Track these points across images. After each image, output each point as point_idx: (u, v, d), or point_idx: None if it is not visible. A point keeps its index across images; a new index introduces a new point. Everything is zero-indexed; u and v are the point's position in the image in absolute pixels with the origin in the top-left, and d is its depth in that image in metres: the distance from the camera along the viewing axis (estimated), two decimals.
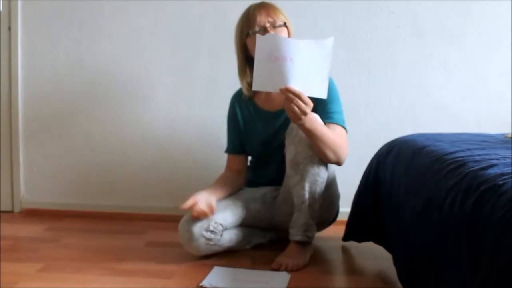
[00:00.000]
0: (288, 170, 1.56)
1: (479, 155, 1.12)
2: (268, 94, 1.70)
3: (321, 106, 1.53)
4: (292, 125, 1.53)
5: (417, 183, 1.22)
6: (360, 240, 1.72)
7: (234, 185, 1.73)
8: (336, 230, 1.82)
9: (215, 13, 2.13)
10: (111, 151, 2.22)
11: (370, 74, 2.12)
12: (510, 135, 1.52)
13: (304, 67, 1.37)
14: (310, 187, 1.53)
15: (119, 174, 2.22)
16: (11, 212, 2.27)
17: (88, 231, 1.95)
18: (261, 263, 1.55)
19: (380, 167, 1.58)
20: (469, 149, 1.20)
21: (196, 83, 2.17)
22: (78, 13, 2.19)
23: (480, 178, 0.95)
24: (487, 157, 1.08)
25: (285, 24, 1.61)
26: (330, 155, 1.50)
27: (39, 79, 2.23)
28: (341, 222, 1.79)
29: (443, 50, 2.10)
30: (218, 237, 1.56)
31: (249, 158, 1.85)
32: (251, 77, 1.47)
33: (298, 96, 1.36)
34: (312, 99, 1.39)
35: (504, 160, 1.04)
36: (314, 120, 1.44)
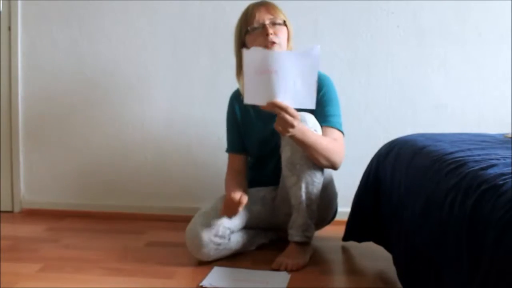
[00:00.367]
0: (285, 170, 1.56)
1: (479, 155, 1.12)
2: None
3: (318, 109, 1.53)
4: None
5: (417, 183, 1.22)
6: (360, 240, 1.72)
7: (244, 188, 1.69)
8: (336, 230, 1.82)
9: (215, 13, 2.14)
10: (111, 151, 2.22)
11: (370, 74, 2.12)
12: (510, 135, 1.52)
13: (290, 79, 1.37)
14: (307, 188, 1.53)
15: (119, 174, 2.22)
16: (11, 212, 2.27)
17: (88, 231, 1.95)
18: (261, 263, 1.55)
19: (380, 167, 1.58)
20: (469, 149, 1.20)
21: (196, 83, 2.17)
22: (78, 13, 2.19)
23: (480, 178, 0.95)
24: (487, 157, 1.08)
25: (284, 23, 1.61)
26: (323, 161, 1.50)
27: (39, 79, 2.23)
28: (341, 222, 1.79)
29: (443, 50, 2.10)
30: (227, 241, 1.56)
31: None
32: None
33: (285, 110, 1.36)
34: None
35: (504, 160, 1.04)
36: (304, 130, 1.44)
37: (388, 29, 2.11)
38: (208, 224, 1.54)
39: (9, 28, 2.21)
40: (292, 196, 1.55)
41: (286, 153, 1.53)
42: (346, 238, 1.75)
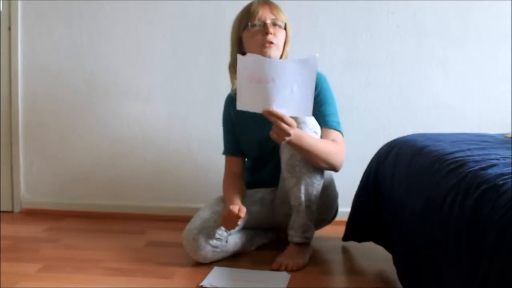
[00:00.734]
0: (284, 172, 1.55)
1: (479, 155, 1.12)
2: None
3: (314, 108, 1.51)
4: None
5: (417, 183, 1.22)
6: (360, 240, 1.72)
7: (242, 192, 1.69)
8: (336, 230, 1.82)
9: (215, 13, 2.14)
10: (111, 151, 2.22)
11: (370, 74, 2.12)
12: (510, 135, 1.52)
13: (287, 87, 1.35)
14: (307, 189, 1.52)
15: (119, 174, 2.22)
16: (11, 212, 2.27)
17: (88, 231, 1.95)
18: (261, 263, 1.55)
19: (380, 167, 1.58)
20: (469, 149, 1.20)
21: (196, 83, 2.17)
22: (78, 13, 2.19)
23: (480, 178, 0.95)
24: (487, 157, 1.08)
25: (285, 27, 1.61)
26: (323, 165, 1.50)
27: (39, 79, 2.23)
28: (341, 222, 1.79)
29: (443, 50, 2.10)
30: (224, 243, 1.56)
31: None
32: None
33: (281, 119, 1.35)
34: None
35: (504, 160, 1.04)
36: (300, 136, 1.43)
37: (388, 29, 2.11)
38: (204, 227, 1.54)
39: (9, 28, 2.21)
40: (292, 198, 1.55)
41: (285, 155, 1.53)
42: (346, 238, 1.75)
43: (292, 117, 1.38)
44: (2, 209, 2.25)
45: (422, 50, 2.11)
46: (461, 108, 2.11)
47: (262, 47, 1.54)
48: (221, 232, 1.54)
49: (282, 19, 1.60)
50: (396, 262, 1.32)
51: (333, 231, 1.84)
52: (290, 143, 1.42)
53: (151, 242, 1.81)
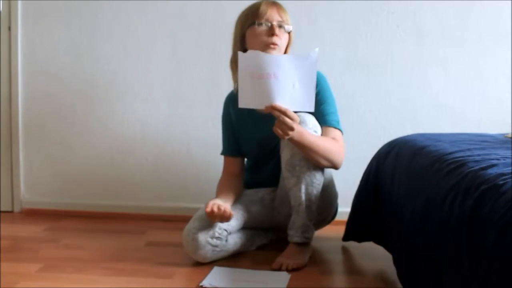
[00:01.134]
0: (284, 172, 1.55)
1: (479, 155, 1.12)
2: None
3: (315, 108, 1.51)
4: None
5: (417, 183, 1.22)
6: (360, 240, 1.72)
7: (237, 191, 1.72)
8: (336, 230, 1.82)
9: (215, 13, 2.13)
10: (111, 151, 2.22)
11: (370, 74, 2.12)
12: (510, 135, 1.52)
13: (289, 82, 1.37)
14: (307, 189, 1.52)
15: (119, 174, 2.22)
16: (11, 212, 2.27)
17: (88, 231, 1.95)
18: (261, 263, 1.55)
19: (380, 167, 1.58)
20: (469, 149, 1.20)
21: (196, 83, 2.17)
22: (78, 13, 2.19)
23: (480, 178, 0.95)
24: (487, 157, 1.08)
25: (289, 32, 1.61)
26: (323, 162, 1.50)
27: (39, 79, 2.23)
28: (341, 222, 1.79)
29: (443, 50, 2.10)
30: (224, 242, 1.56)
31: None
32: None
33: (284, 113, 1.36)
34: None
35: (504, 160, 1.04)
36: (302, 132, 1.43)
37: (388, 29, 2.11)
38: (204, 227, 1.54)
39: (9, 28, 2.21)
40: (292, 198, 1.55)
41: (286, 155, 1.53)
42: (346, 238, 1.75)
43: None
44: (2, 209, 2.25)
45: (422, 50, 2.11)
46: (461, 108, 2.11)
47: (266, 47, 1.54)
48: (220, 231, 1.54)
49: (288, 22, 1.60)
50: (396, 262, 1.32)
51: (333, 231, 1.84)
52: (291, 139, 1.42)
53: (151, 242, 1.81)
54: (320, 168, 1.54)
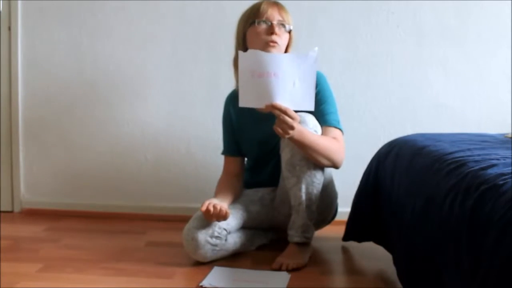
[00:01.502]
0: (284, 172, 1.55)
1: (479, 155, 1.12)
2: None
3: (315, 107, 1.52)
4: None
5: (417, 183, 1.22)
6: (360, 240, 1.72)
7: (236, 191, 1.72)
8: (336, 230, 1.82)
9: (215, 13, 2.14)
10: (111, 151, 2.22)
11: (370, 74, 2.12)
12: (510, 135, 1.53)
13: (289, 81, 1.37)
14: (307, 189, 1.52)
15: (119, 174, 2.22)
16: (11, 212, 2.27)
17: (88, 231, 1.95)
18: (261, 263, 1.55)
19: (380, 167, 1.58)
20: (469, 149, 1.20)
21: (196, 83, 2.17)
22: (78, 13, 2.19)
23: (480, 178, 0.95)
24: (487, 157, 1.08)
25: (290, 32, 1.61)
26: (324, 161, 1.50)
27: (39, 79, 2.23)
28: (341, 222, 1.79)
29: (443, 50, 2.10)
30: (223, 242, 1.56)
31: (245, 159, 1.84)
32: None
33: (285, 112, 1.36)
34: None
35: (504, 160, 1.04)
36: (302, 131, 1.43)
37: (388, 29, 2.11)
38: (203, 226, 1.54)
39: (9, 28, 2.21)
40: (292, 197, 1.55)
41: (286, 154, 1.53)
42: (346, 238, 1.75)
43: None
44: (2, 209, 2.25)
45: (422, 50, 2.11)
46: (461, 108, 2.11)
47: (266, 46, 1.54)
48: (220, 230, 1.54)
49: (289, 22, 1.60)
50: (396, 262, 1.32)
51: (333, 231, 1.84)
52: (292, 139, 1.43)
53: (151, 242, 1.81)
54: (320, 167, 1.54)
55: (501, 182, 0.88)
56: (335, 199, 1.76)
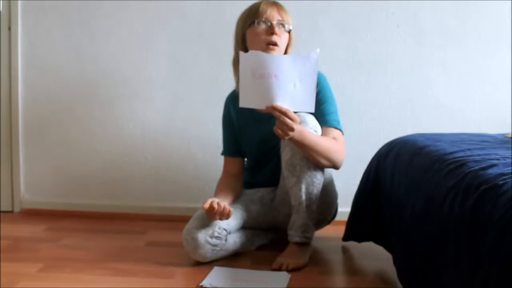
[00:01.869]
0: (284, 171, 1.55)
1: (479, 155, 1.12)
2: None
3: (315, 107, 1.52)
4: None
5: (417, 183, 1.22)
6: (360, 240, 1.72)
7: (236, 191, 1.72)
8: (336, 230, 1.82)
9: (215, 13, 2.13)
10: (111, 151, 2.22)
11: (370, 74, 2.12)
12: (510, 135, 1.53)
13: (290, 83, 1.37)
14: (307, 189, 1.52)
15: (119, 174, 2.22)
16: (11, 212, 2.27)
17: (88, 231, 1.95)
18: (261, 263, 1.55)
19: (380, 167, 1.58)
20: (469, 149, 1.20)
21: (196, 83, 2.17)
22: (78, 13, 2.19)
23: (480, 178, 0.95)
24: (487, 157, 1.08)
25: (289, 31, 1.61)
26: (324, 162, 1.50)
27: (39, 79, 2.23)
28: (341, 222, 1.79)
29: (443, 50, 2.10)
30: (223, 242, 1.56)
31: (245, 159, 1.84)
32: None
33: (285, 114, 1.36)
34: None
35: (504, 160, 1.04)
36: (302, 132, 1.44)
37: (388, 29, 2.11)
38: (203, 226, 1.53)
39: (9, 28, 2.21)
40: (292, 197, 1.55)
41: (286, 154, 1.53)
42: (346, 238, 1.75)
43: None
44: (2, 209, 2.25)
45: (422, 50, 2.11)
46: (461, 108, 2.11)
47: (266, 46, 1.54)
48: (220, 230, 1.54)
49: (289, 21, 1.60)
50: (396, 262, 1.32)
51: (333, 231, 1.84)
52: (292, 139, 1.43)
53: (151, 242, 1.81)
54: (320, 167, 1.54)
55: (501, 182, 0.88)
56: (335, 199, 1.76)
